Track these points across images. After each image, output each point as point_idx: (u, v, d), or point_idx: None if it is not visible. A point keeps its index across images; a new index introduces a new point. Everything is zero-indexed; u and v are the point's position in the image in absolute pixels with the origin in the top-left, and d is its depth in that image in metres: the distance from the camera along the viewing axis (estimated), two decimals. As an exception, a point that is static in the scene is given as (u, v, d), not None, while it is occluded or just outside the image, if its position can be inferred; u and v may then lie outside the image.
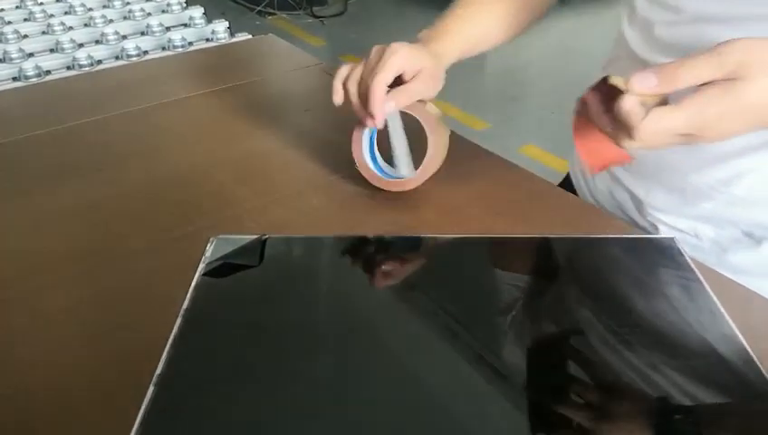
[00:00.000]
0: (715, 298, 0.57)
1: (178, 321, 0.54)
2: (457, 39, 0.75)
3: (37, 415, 0.48)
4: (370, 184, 0.72)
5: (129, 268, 0.62)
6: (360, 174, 0.71)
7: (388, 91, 0.66)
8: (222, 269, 0.60)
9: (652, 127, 0.49)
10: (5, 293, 0.60)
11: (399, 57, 0.66)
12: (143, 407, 0.47)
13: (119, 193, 0.75)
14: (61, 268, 0.63)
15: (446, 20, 0.76)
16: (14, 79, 1.08)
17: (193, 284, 0.58)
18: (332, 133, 0.70)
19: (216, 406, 0.48)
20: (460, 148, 0.78)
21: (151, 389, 0.48)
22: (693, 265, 0.61)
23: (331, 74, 0.72)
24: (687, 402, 0.48)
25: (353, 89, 0.68)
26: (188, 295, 0.57)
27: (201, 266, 0.60)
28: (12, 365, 0.52)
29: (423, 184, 0.71)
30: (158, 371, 0.49)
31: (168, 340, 0.52)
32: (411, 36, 0.74)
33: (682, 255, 0.62)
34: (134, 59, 1.14)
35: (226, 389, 0.49)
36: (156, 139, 0.87)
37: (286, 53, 1.16)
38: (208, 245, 0.63)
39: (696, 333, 0.54)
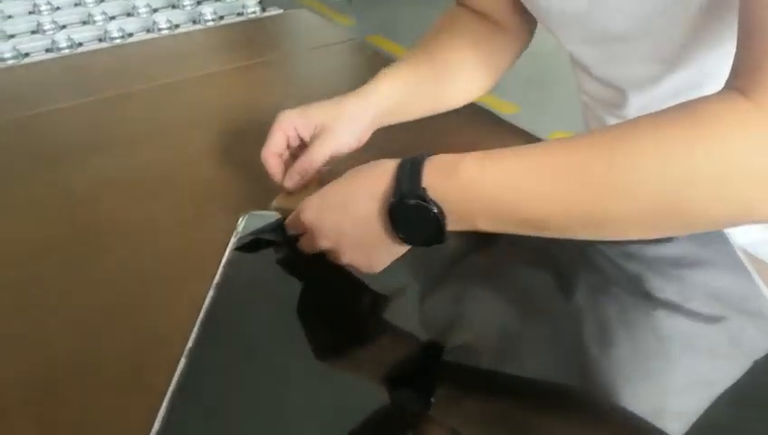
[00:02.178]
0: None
1: (210, 294, 0.53)
2: (375, 98, 0.66)
3: (67, 389, 0.48)
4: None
5: (161, 243, 0.62)
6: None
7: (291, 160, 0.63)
8: (253, 245, 0.59)
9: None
10: (35, 266, 0.59)
11: (279, 126, 0.62)
12: (174, 380, 0.46)
13: (149, 167, 0.74)
14: (92, 241, 0.62)
15: (389, 69, 0.68)
16: (48, 50, 1.08)
17: (224, 258, 0.58)
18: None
19: (246, 381, 0.47)
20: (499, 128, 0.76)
21: (182, 362, 0.47)
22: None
23: (369, 52, 0.70)
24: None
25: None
26: (220, 270, 0.56)
27: (232, 241, 0.60)
28: (41, 340, 0.52)
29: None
30: (190, 344, 0.49)
31: (199, 314, 0.52)
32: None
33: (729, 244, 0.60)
34: (165, 32, 1.14)
35: (257, 364, 0.49)
36: (186, 113, 0.86)
37: (318, 28, 1.14)
38: (240, 220, 0.62)
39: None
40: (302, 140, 0.63)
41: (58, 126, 0.83)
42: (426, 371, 0.49)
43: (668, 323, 0.53)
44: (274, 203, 0.60)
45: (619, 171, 0.42)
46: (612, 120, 0.67)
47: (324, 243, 0.51)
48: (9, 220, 0.66)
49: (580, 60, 0.67)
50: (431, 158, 0.47)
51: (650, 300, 0.55)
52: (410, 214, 0.46)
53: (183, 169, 0.73)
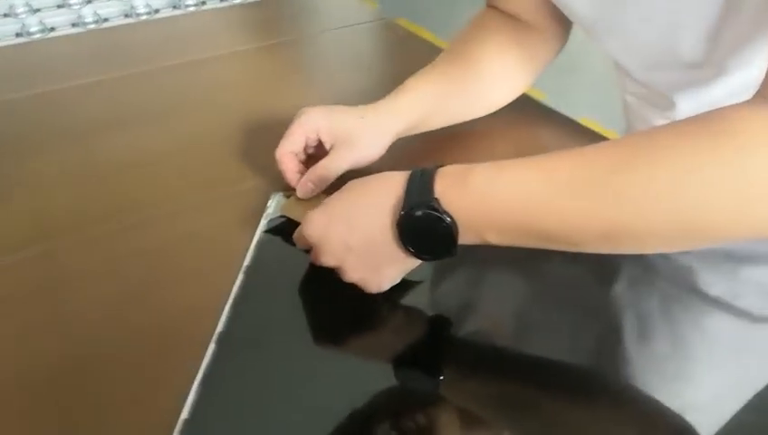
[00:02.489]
0: None
1: (240, 277, 0.52)
2: (404, 110, 0.64)
3: (95, 370, 0.46)
4: (444, 143, 0.68)
5: (187, 223, 0.60)
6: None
7: (308, 161, 0.62)
8: (284, 227, 0.57)
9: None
10: (58, 241, 0.58)
11: (299, 125, 0.61)
12: (203, 365, 0.45)
13: (175, 145, 0.72)
14: (117, 219, 0.61)
15: (414, 79, 0.66)
16: (73, 25, 1.06)
17: (254, 241, 0.56)
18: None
19: (277, 366, 0.46)
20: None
21: (212, 346, 0.46)
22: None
23: (400, 33, 0.68)
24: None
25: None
26: (250, 252, 0.54)
27: (262, 223, 0.58)
28: (63, 321, 0.51)
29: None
30: (220, 328, 0.47)
31: (229, 297, 0.50)
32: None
33: None
34: (191, 8, 1.12)
35: (288, 348, 0.47)
36: (213, 91, 0.85)
37: (344, 7, 1.12)
38: (270, 201, 0.60)
39: None
40: (320, 142, 0.61)
41: (83, 101, 0.82)
42: (436, 350, 0.48)
43: (715, 321, 0.51)
44: (281, 210, 0.59)
45: (638, 186, 0.40)
46: (660, 121, 0.64)
47: (329, 259, 0.48)
48: (34, 194, 0.65)
49: (621, 64, 0.64)
50: (442, 168, 0.45)
51: (696, 295, 0.52)
52: (421, 225, 0.44)
53: (210, 148, 0.72)
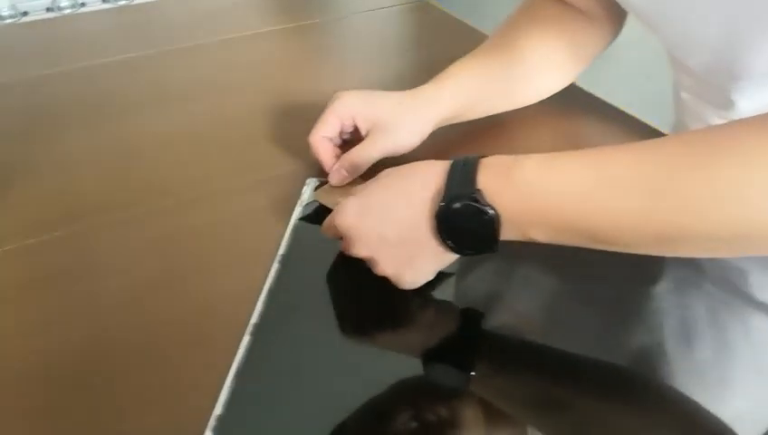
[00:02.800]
0: None
1: (275, 266, 0.50)
2: (445, 98, 0.61)
3: (120, 361, 0.45)
4: (482, 132, 0.66)
5: (219, 208, 0.59)
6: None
7: (344, 146, 0.60)
8: (319, 213, 0.56)
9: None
10: (88, 222, 0.57)
11: (333, 109, 0.58)
12: (237, 358, 0.43)
13: (209, 127, 0.71)
14: (148, 201, 0.60)
15: (455, 66, 0.63)
16: (104, 0, 1.05)
17: (289, 228, 0.54)
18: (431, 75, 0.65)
19: (312, 359, 0.44)
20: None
21: (246, 338, 0.45)
22: None
23: (435, 14, 0.65)
24: None
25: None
26: (285, 241, 0.53)
27: (297, 210, 0.56)
28: (94, 304, 0.49)
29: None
30: (254, 320, 0.46)
31: (263, 286, 0.49)
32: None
33: None
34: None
35: (323, 340, 0.46)
36: (246, 71, 0.83)
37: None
38: (305, 187, 0.59)
39: None
40: (356, 127, 0.59)
41: (113, 78, 0.81)
42: (467, 345, 0.46)
43: (763, 325, 0.48)
44: (314, 196, 0.57)
45: (700, 186, 0.37)
46: (716, 120, 0.61)
47: (362, 250, 0.46)
48: (61, 174, 0.64)
49: (677, 58, 0.61)
50: (486, 158, 0.43)
51: (745, 298, 0.50)
52: (461, 218, 0.42)
53: (244, 130, 0.70)
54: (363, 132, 0.59)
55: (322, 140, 0.59)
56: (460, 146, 0.64)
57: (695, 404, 0.42)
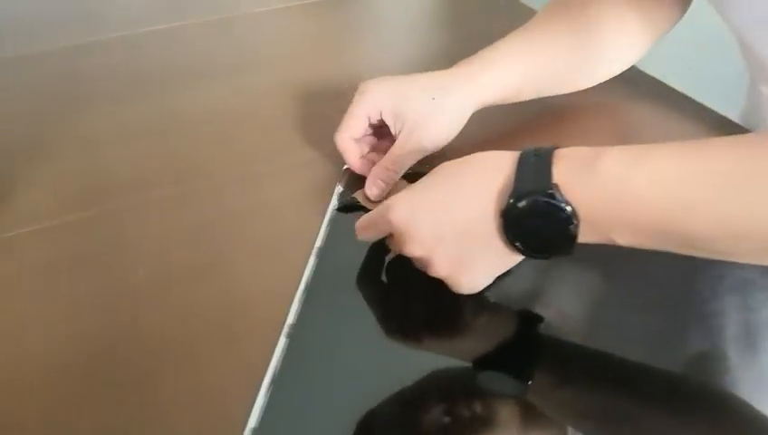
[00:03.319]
0: None
1: (312, 261, 0.47)
2: (503, 69, 0.55)
3: (144, 359, 0.41)
4: (531, 118, 0.61)
5: (253, 193, 0.55)
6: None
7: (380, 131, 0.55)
8: (357, 203, 0.52)
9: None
10: (116, 204, 0.54)
11: (359, 105, 0.53)
12: (273, 362, 0.40)
13: (245, 103, 0.67)
14: (178, 183, 0.56)
15: (505, 42, 0.57)
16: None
17: (326, 218, 0.50)
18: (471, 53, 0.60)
19: (354, 364, 0.41)
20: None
21: (283, 341, 0.41)
22: None
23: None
24: None
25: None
26: (321, 232, 0.49)
27: (334, 199, 0.53)
28: (118, 293, 0.46)
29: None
30: (291, 320, 0.42)
31: (299, 281, 0.45)
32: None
33: None
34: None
35: (367, 343, 0.42)
36: (287, 46, 0.79)
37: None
38: (343, 173, 0.55)
39: None
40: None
41: (156, 48, 0.78)
42: (524, 350, 0.42)
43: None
44: (355, 195, 0.52)
45: None
46: None
47: (415, 249, 0.41)
48: (93, 151, 0.61)
49: (753, 48, 0.55)
50: (562, 149, 0.38)
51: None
52: (533, 217, 0.37)
53: (282, 108, 0.66)
54: (393, 131, 0.53)
55: (348, 140, 0.53)
56: (503, 137, 0.59)
57: (761, 415, 0.38)
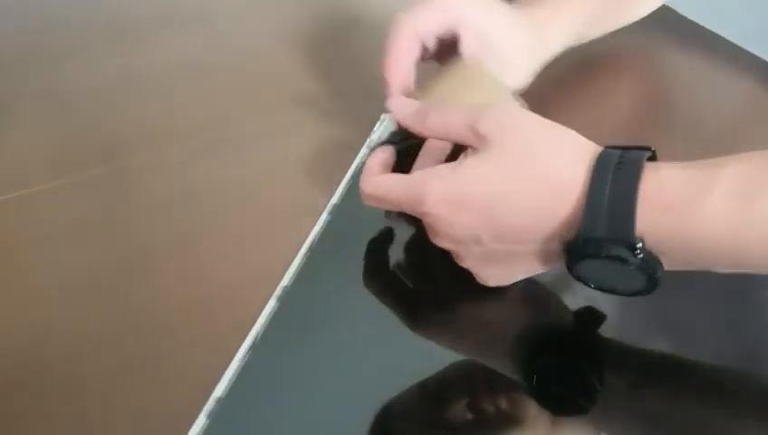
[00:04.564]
0: None
1: (323, 217, 0.43)
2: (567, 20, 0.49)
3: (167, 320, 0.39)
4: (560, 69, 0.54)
5: (249, 158, 0.49)
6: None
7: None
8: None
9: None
10: (93, 172, 0.48)
11: (432, 8, 0.43)
12: (257, 326, 0.36)
13: (254, 48, 0.60)
14: (164, 146, 0.50)
15: None
16: None
17: (349, 173, 0.46)
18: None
19: (345, 334, 0.37)
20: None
21: (272, 304, 0.38)
22: None
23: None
24: None
25: None
26: (341, 187, 0.45)
27: (364, 151, 0.48)
28: (100, 272, 0.41)
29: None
30: (285, 282, 0.39)
31: (303, 241, 0.41)
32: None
33: None
34: None
35: (364, 317, 0.38)
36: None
37: None
38: (378, 124, 0.50)
39: None
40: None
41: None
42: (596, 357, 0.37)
43: None
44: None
45: None
46: None
47: (445, 243, 0.36)
48: (63, 113, 0.53)
49: None
50: (650, 174, 0.30)
51: None
52: (605, 264, 0.31)
53: (301, 52, 0.58)
54: (466, 53, 0.43)
55: (404, 64, 0.43)
56: (539, 92, 0.50)
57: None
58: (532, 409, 0.34)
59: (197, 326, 0.38)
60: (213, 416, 0.32)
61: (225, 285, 0.40)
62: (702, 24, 0.61)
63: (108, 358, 0.36)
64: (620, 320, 0.38)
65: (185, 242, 0.43)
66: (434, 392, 0.35)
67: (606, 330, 0.37)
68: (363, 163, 0.43)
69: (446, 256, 0.37)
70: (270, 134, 0.51)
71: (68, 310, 0.39)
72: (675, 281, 0.31)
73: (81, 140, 0.50)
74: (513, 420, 0.33)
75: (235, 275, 0.41)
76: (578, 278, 0.33)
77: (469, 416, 0.33)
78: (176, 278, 0.40)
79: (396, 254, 0.42)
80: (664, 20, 0.58)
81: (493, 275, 0.37)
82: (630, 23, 0.55)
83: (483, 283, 0.37)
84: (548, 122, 0.34)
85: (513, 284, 0.37)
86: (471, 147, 0.35)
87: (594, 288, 0.34)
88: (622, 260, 0.30)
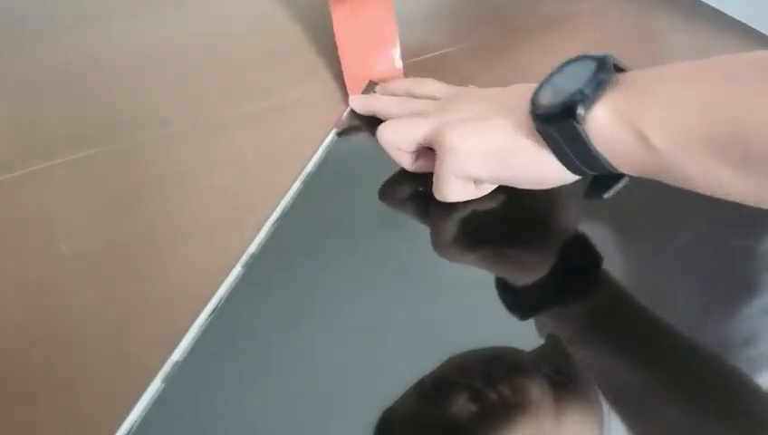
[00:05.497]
0: None
1: (296, 186, 0.42)
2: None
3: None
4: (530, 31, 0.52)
5: (212, 146, 0.46)
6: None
7: None
8: (363, 129, 0.46)
9: None
10: (56, 159, 0.47)
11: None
12: (220, 292, 0.36)
13: (198, 37, 0.57)
14: (121, 136, 0.47)
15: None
16: None
17: (326, 141, 0.45)
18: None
19: (313, 309, 0.36)
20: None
21: (237, 270, 0.37)
22: None
23: None
24: None
25: None
26: (316, 156, 0.44)
27: (344, 118, 0.47)
28: (51, 272, 0.38)
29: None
30: (252, 249, 0.38)
31: (273, 211, 0.40)
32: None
33: None
34: None
35: (334, 279, 0.37)
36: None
37: None
38: (348, 109, 0.48)
39: None
40: None
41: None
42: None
43: None
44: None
45: None
46: None
47: (416, 105, 0.42)
48: (17, 100, 0.51)
49: None
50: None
51: None
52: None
53: (242, 41, 0.56)
54: None
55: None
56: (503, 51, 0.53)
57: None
58: (534, 392, 0.32)
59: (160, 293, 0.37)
60: (169, 379, 0.32)
61: (193, 259, 0.39)
62: (706, 1, 0.59)
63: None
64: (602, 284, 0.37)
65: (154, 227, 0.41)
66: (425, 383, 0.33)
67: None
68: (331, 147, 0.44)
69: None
70: (244, 119, 0.49)
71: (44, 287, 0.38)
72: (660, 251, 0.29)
73: (38, 128, 0.48)
74: (515, 404, 0.32)
75: (201, 249, 0.39)
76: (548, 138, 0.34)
77: (471, 407, 0.32)
78: (147, 264, 0.39)
79: (365, 228, 0.41)
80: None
81: (462, 142, 0.37)
82: None
83: (438, 174, 0.38)
84: None
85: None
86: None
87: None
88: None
